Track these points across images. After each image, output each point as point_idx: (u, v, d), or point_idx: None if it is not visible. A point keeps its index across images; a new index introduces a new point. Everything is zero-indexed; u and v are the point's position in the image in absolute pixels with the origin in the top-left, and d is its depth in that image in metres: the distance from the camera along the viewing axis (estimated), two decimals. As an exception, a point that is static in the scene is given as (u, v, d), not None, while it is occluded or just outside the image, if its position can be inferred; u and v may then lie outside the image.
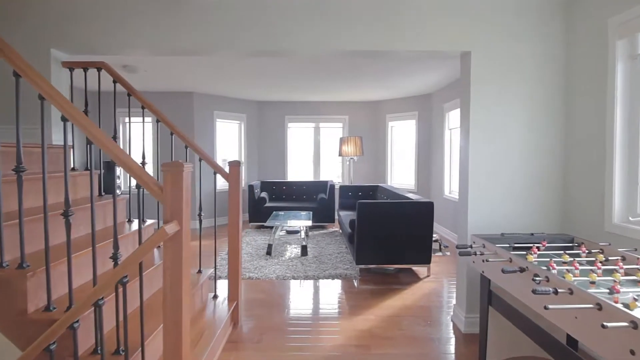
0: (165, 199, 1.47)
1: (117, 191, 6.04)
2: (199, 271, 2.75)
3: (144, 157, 2.71)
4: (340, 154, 6.14)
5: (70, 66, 2.62)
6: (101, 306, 1.49)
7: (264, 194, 6.24)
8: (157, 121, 2.69)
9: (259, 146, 7.13)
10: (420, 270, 3.96)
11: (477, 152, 2.51)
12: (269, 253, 4.45)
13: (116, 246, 1.59)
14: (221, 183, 6.65)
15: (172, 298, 1.49)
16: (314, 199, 6.63)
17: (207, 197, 6.35)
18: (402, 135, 6.75)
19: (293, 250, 4.65)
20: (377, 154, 7.10)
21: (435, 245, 4.69)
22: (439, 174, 5.78)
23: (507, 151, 2.51)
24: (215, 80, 5.25)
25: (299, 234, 4.58)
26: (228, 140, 6.73)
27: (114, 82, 2.66)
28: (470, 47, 2.46)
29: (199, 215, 2.69)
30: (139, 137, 6.32)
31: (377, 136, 7.08)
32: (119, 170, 6.05)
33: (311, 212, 5.93)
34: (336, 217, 6.65)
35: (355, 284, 3.57)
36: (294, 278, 3.69)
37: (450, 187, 5.46)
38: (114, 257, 1.57)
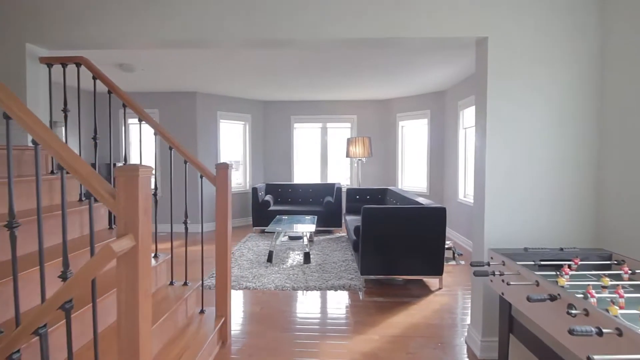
0: (118, 209, 1.24)
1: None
2: (185, 283, 2.52)
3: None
4: (347, 155, 5.87)
5: (48, 62, 2.43)
6: (44, 335, 1.26)
7: (268, 197, 6.02)
8: (140, 120, 2.48)
9: (264, 147, 6.92)
10: (431, 281, 3.64)
11: (494, 153, 2.19)
12: (269, 260, 4.21)
13: (66, 264, 1.36)
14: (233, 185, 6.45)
15: (127, 326, 1.25)
16: (321, 202, 6.37)
17: (207, 200, 6.16)
18: (414, 136, 6.42)
19: (295, 258, 4.39)
20: (386, 155, 6.78)
21: (448, 254, 4.36)
22: (453, 177, 5.43)
23: (531, 151, 2.18)
24: (218, 79, 5.05)
25: (302, 239, 4.32)
26: (232, 141, 6.54)
27: (94, 78, 2.47)
28: (487, 32, 2.16)
29: (185, 222, 2.47)
30: (142, 138, 6.18)
31: (387, 136, 6.77)
32: (121, 172, 5.90)
33: (316, 217, 5.68)
34: (343, 221, 6.37)
35: (360, 296, 3.29)
36: (293, 289, 3.44)
37: (465, 190, 5.12)
38: (63, 277, 1.35)
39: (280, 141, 6.88)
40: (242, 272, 3.86)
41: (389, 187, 5.42)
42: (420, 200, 3.88)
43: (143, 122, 2.45)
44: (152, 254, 2.57)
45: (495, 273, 1.62)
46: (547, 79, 2.16)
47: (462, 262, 4.26)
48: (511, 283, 1.49)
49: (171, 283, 2.53)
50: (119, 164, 2.64)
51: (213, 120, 6.15)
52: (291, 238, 4.48)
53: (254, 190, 5.82)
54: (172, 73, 4.66)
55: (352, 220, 4.64)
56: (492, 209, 2.19)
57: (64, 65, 2.50)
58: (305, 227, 4.46)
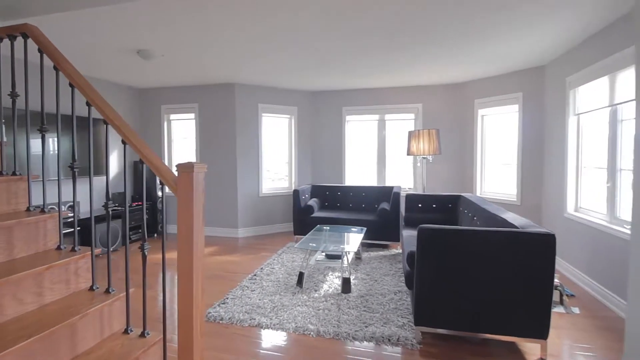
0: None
1: (160, 193, 5.62)
2: (143, 334, 1.75)
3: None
4: (409, 153, 4.72)
5: (-10, 31, 1.89)
6: None
7: (312, 202, 5.16)
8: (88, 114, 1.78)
9: (311, 144, 6.08)
10: (528, 346, 2.40)
11: None
12: (299, 284, 3.34)
13: None
14: (269, 186, 5.78)
15: None
16: (375, 209, 5.31)
17: (246, 202, 5.52)
18: (498, 127, 4.99)
19: (333, 282, 3.45)
20: (461, 152, 5.43)
21: (553, 295, 2.99)
22: (558, 182, 3.95)
23: None
24: (259, 66, 4.32)
25: (341, 259, 3.36)
26: (276, 138, 5.82)
27: (40, 51, 1.85)
28: None
29: (142, 244, 1.69)
30: (182, 135, 5.82)
31: (461, 129, 5.42)
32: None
33: (368, 227, 4.65)
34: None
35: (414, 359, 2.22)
36: (318, 334, 2.50)
37: (578, 202, 3.63)
38: None
39: (330, 137, 5.97)
40: (261, 299, 3.05)
41: (463, 194, 4.15)
42: (510, 217, 2.64)
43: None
44: (105, 289, 1.86)
45: None
46: None
47: (576, 311, 2.87)
48: None
49: (126, 331, 1.79)
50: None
51: (254, 114, 5.50)
52: (329, 257, 3.56)
53: (296, 193, 5.01)
54: (203, 62, 4.05)
55: (409, 238, 3.53)
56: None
57: (12, 38, 1.93)
58: (349, 244, 3.49)
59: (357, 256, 4.20)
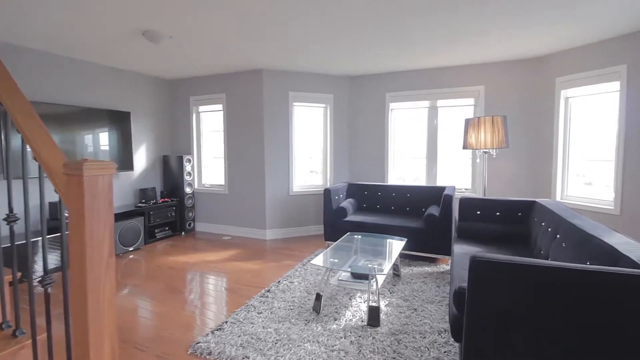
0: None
1: (188, 189, 5.33)
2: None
3: None
4: (466, 146, 3.81)
5: None
6: None
7: (347, 203, 4.47)
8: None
9: (349, 137, 5.37)
10: None
11: None
12: (315, 309, 2.70)
13: None
14: (301, 184, 5.21)
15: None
16: (421, 213, 4.46)
17: (275, 201, 5.00)
18: (589, 113, 3.84)
19: (359, 308, 2.75)
20: (536, 144, 4.34)
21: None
22: (684, 186, 2.80)
23: None
24: (288, 47, 3.74)
25: (370, 281, 2.65)
26: (309, 129, 5.21)
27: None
28: None
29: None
30: (213, 128, 5.47)
31: (537, 116, 4.32)
32: (189, 166, 5.32)
33: (411, 236, 3.86)
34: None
35: None
36: (325, 391, 1.85)
37: None
38: None
39: (371, 128, 5.21)
40: (265, 327, 2.46)
41: (538, 200, 3.17)
42: (620, 243, 1.72)
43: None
44: (12, 331, 1.39)
45: None
46: None
47: None
48: None
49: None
50: None
51: (284, 103, 4.94)
52: (356, 275, 2.87)
53: (327, 192, 4.36)
54: (223, 45, 3.56)
55: (461, 257, 2.68)
56: None
57: None
58: (382, 261, 2.77)
59: (395, 272, 3.45)
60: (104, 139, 4.43)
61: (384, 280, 3.32)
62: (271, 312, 2.69)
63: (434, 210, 3.95)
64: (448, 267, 3.76)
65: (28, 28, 3.16)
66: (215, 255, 4.24)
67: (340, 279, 2.84)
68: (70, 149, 4.06)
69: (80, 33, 3.30)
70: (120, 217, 4.35)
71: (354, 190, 4.88)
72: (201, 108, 5.42)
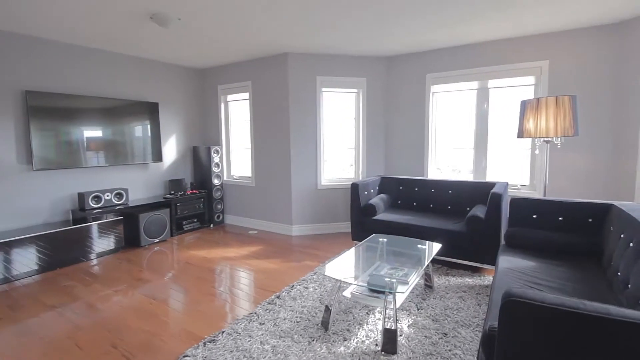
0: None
1: (216, 181, 5.22)
2: None
3: None
4: (522, 134, 3.13)
5: None
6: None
7: (378, 199, 4.00)
8: None
9: (385, 125, 4.83)
10: None
11: None
12: (324, 324, 2.34)
13: None
14: (330, 177, 4.83)
15: None
16: (464, 213, 3.84)
17: (302, 195, 4.68)
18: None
19: (374, 328, 2.33)
20: (614, 133, 3.48)
21: None
22: None
23: None
24: (315, 24, 3.35)
25: (387, 297, 2.21)
26: (339, 117, 4.78)
27: None
28: None
29: None
30: (242, 117, 5.28)
31: (615, 97, 3.44)
32: (217, 157, 5.20)
33: (448, 241, 3.32)
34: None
35: None
36: None
37: None
38: None
39: (409, 114, 4.63)
40: (263, 344, 2.16)
41: (615, 203, 2.45)
42: None
43: None
44: None
45: None
46: None
47: None
48: None
49: None
50: None
51: (311, 88, 4.55)
52: (373, 289, 2.44)
53: (354, 187, 3.92)
54: (240, 26, 3.26)
55: (507, 272, 2.12)
56: None
57: None
58: (406, 274, 2.32)
59: (427, 283, 2.94)
60: (133, 130, 4.43)
61: (411, 292, 2.85)
62: (274, 324, 2.39)
63: (479, 211, 3.34)
64: (492, 278, 3.15)
65: (47, 19, 3.13)
66: (236, 251, 4.05)
67: (354, 292, 2.43)
68: (99, 139, 4.09)
69: (95, 21, 3.21)
70: (145, 208, 4.34)
71: (387, 184, 4.38)
72: (229, 97, 5.24)
